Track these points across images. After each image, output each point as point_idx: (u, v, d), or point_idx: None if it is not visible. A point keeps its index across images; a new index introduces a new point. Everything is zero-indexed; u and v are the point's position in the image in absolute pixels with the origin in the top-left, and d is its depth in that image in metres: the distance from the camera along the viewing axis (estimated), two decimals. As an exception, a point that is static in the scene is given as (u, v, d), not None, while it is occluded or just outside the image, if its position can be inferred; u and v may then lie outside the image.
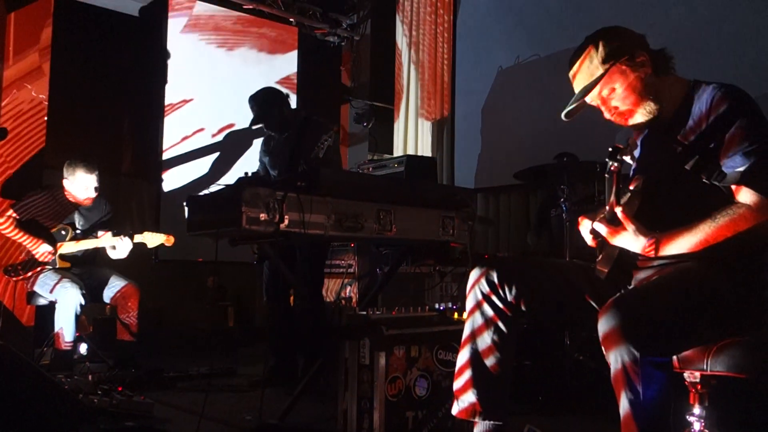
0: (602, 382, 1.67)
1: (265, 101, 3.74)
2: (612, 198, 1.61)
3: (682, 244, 1.57)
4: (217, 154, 5.86)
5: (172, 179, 5.59)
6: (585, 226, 1.77)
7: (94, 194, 4.01)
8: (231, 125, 5.93)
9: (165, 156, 5.56)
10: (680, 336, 1.53)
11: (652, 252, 1.59)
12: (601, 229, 1.64)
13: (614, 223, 1.62)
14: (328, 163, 3.42)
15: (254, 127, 3.95)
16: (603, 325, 1.47)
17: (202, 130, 5.79)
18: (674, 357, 1.58)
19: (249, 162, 5.76)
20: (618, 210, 1.60)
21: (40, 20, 4.64)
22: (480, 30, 5.79)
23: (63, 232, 3.96)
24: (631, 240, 1.60)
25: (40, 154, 4.62)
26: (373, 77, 6.65)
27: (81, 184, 3.96)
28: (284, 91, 4.04)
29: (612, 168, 1.59)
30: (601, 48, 1.72)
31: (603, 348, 1.49)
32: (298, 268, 3.62)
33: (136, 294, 3.95)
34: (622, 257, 1.65)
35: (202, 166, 5.78)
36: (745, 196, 1.55)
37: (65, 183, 3.98)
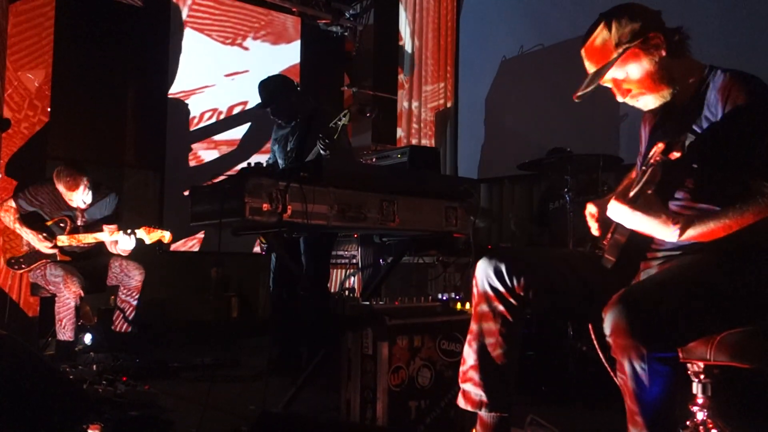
0: (605, 373, 1.67)
1: (275, 88, 3.73)
2: (643, 181, 1.57)
3: (707, 230, 1.54)
4: (223, 146, 5.86)
5: (176, 169, 5.59)
6: (593, 209, 1.77)
7: (84, 205, 3.93)
8: (242, 104, 5.92)
9: (169, 145, 5.56)
10: (685, 329, 1.51)
11: (676, 234, 1.55)
12: (622, 209, 1.59)
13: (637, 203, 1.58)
14: (340, 148, 3.39)
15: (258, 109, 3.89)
16: (610, 323, 1.46)
17: (210, 115, 5.78)
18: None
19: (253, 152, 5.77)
20: (649, 191, 1.56)
21: (42, 9, 4.62)
22: (483, 19, 5.75)
23: (61, 225, 3.90)
24: (655, 220, 1.56)
25: (42, 144, 4.60)
26: (376, 67, 6.62)
27: (67, 196, 3.87)
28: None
29: (655, 159, 1.55)
30: (614, 29, 1.67)
31: (611, 344, 1.48)
32: (303, 258, 3.62)
33: (140, 272, 3.90)
34: (629, 245, 1.63)
35: (206, 157, 5.78)
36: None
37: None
